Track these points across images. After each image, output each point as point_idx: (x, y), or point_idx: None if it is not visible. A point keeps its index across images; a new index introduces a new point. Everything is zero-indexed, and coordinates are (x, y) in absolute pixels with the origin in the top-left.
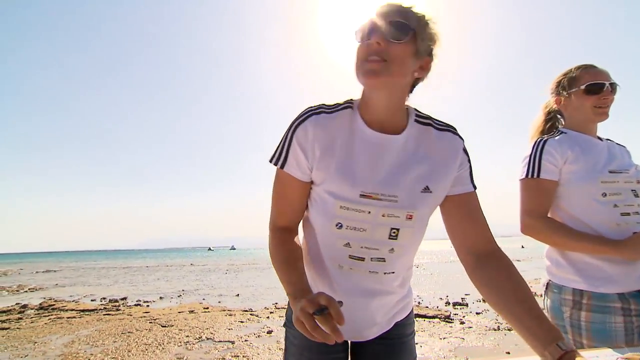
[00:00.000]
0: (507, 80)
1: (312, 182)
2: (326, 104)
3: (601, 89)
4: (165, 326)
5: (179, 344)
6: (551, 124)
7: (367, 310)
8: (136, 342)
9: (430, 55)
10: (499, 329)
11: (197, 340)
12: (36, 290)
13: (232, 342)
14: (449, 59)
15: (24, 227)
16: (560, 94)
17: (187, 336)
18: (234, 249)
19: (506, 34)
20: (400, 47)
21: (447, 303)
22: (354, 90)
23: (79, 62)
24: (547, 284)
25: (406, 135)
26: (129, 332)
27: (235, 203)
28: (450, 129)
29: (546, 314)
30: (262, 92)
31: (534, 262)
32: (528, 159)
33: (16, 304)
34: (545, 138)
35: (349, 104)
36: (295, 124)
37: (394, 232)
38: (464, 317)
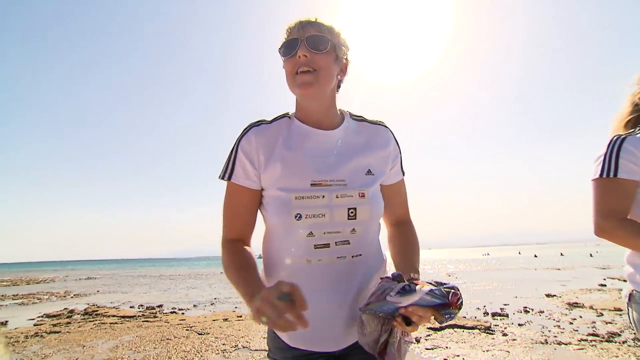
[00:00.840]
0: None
1: (262, 190)
2: (265, 118)
3: None
4: (201, 334)
5: (217, 352)
6: (637, 116)
7: (345, 305)
8: (175, 349)
9: (346, 59)
10: (546, 343)
11: (233, 349)
12: (80, 296)
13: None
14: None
15: (67, 237)
16: None
17: (223, 344)
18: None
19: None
20: (323, 56)
21: (486, 313)
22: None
23: (112, 77)
24: (630, 294)
25: (343, 129)
26: (167, 339)
27: None
28: (381, 124)
29: (632, 327)
30: (288, 99)
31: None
32: (602, 157)
33: (64, 308)
34: (624, 135)
35: (285, 115)
36: (239, 137)
37: (352, 212)
38: (505, 328)
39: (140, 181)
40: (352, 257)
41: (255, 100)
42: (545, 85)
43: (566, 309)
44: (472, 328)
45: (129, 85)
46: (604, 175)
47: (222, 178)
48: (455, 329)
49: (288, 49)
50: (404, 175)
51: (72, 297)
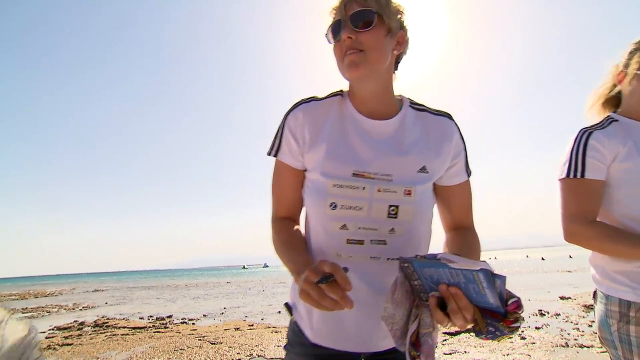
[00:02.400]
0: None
1: (305, 170)
2: (317, 95)
3: None
4: (214, 343)
5: None
6: (617, 95)
7: (374, 307)
8: (189, 359)
9: (402, 28)
10: (567, 346)
11: (248, 358)
12: (89, 308)
13: None
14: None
15: (71, 250)
16: (626, 67)
17: (237, 353)
18: (267, 266)
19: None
20: (370, 33)
21: None
22: None
23: (119, 90)
24: (594, 293)
25: (399, 119)
26: (180, 350)
27: (268, 221)
28: (445, 114)
29: (596, 327)
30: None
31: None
32: (569, 155)
33: (74, 321)
34: (590, 129)
35: (339, 93)
36: (287, 113)
37: (393, 210)
38: (523, 331)
39: (142, 194)
40: (388, 259)
41: (262, 110)
42: (550, 87)
43: (583, 311)
44: None
45: (137, 97)
46: (571, 176)
47: (269, 154)
48: (471, 333)
49: (333, 33)
50: (469, 176)
51: (81, 309)
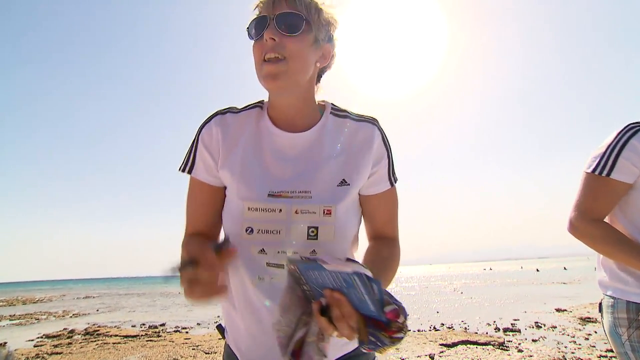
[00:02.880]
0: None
1: (224, 188)
2: (236, 106)
3: None
4: (208, 353)
5: None
6: None
7: None
8: None
9: (330, 40)
10: (564, 359)
11: None
12: (80, 315)
13: None
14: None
15: (61, 255)
16: None
17: None
18: None
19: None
20: (296, 39)
21: (497, 329)
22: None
23: (114, 93)
24: (600, 305)
25: (317, 129)
26: (174, 359)
27: None
28: (368, 119)
29: (606, 338)
30: None
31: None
32: (604, 149)
33: (64, 329)
34: (637, 128)
35: (258, 104)
36: (201, 125)
37: (313, 232)
38: (519, 344)
39: (132, 198)
40: None
41: None
42: (549, 99)
43: (579, 324)
44: (486, 344)
45: (132, 100)
46: (597, 172)
47: (182, 170)
48: (469, 345)
49: (255, 29)
50: (393, 184)
51: (71, 316)
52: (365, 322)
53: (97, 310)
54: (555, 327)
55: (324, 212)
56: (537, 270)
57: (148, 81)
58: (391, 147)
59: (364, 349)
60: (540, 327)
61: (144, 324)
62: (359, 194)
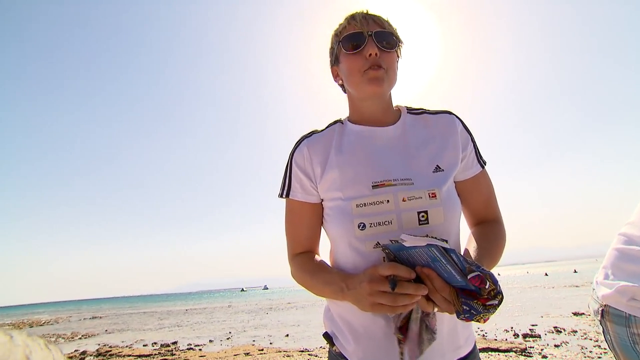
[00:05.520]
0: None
1: (322, 202)
2: (317, 128)
3: None
4: None
5: None
6: None
7: None
8: None
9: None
10: None
11: None
12: (89, 336)
13: None
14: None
15: (64, 277)
16: None
17: None
18: (267, 288)
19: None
20: (392, 54)
21: (516, 335)
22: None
23: (117, 115)
24: (604, 310)
25: (400, 124)
26: None
27: (266, 243)
28: (444, 111)
29: (613, 351)
30: (295, 135)
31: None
32: None
33: (75, 350)
34: None
35: (338, 121)
36: (292, 151)
37: (423, 216)
38: (542, 350)
39: (137, 218)
40: None
41: (264, 133)
42: (547, 103)
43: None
44: (508, 351)
45: (136, 122)
46: None
47: (281, 196)
48: (490, 353)
49: (354, 42)
50: (483, 166)
51: (80, 338)
52: (457, 293)
53: (106, 330)
54: (576, 331)
55: (429, 196)
56: (546, 274)
57: (154, 101)
58: (472, 133)
59: (462, 319)
60: (560, 331)
61: (155, 343)
62: (455, 182)
